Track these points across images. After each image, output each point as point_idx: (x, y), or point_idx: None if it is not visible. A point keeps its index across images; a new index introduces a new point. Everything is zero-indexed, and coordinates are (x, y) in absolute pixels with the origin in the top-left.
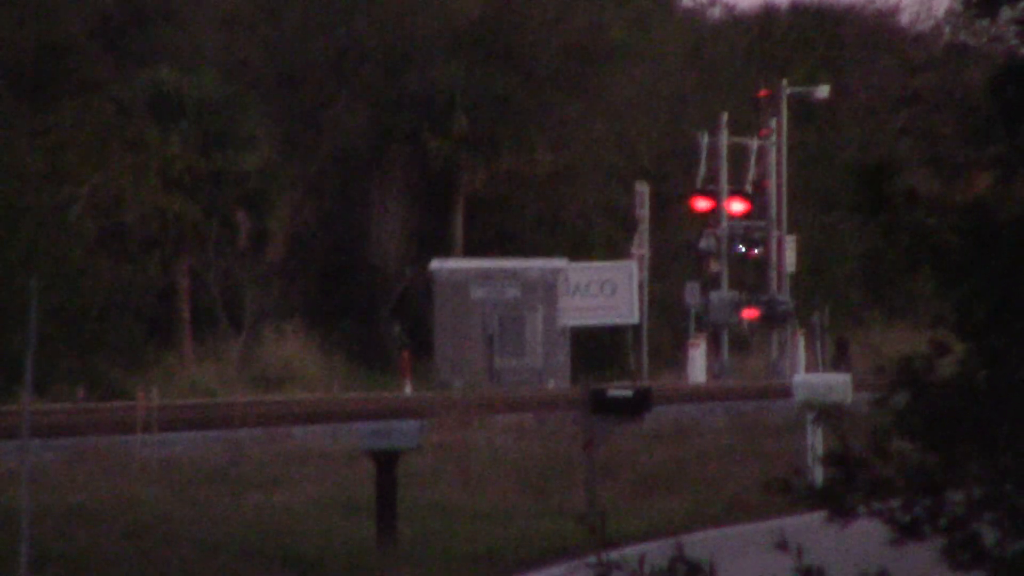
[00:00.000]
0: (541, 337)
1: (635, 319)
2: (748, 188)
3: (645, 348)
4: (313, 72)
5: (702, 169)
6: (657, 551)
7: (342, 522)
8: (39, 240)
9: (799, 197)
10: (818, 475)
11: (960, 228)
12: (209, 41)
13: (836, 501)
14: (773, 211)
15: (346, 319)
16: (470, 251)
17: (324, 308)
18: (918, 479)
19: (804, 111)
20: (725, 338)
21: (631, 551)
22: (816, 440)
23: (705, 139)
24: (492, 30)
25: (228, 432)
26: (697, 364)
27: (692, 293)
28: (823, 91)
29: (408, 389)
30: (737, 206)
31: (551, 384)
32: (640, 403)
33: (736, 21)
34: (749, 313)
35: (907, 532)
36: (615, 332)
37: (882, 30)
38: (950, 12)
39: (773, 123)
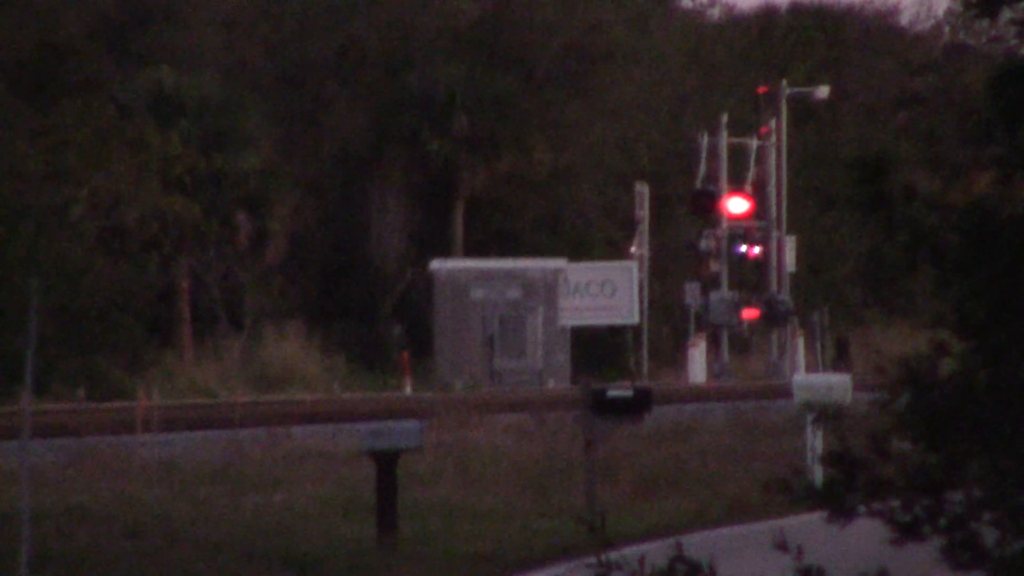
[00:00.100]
0: (541, 337)
1: (635, 319)
2: (748, 188)
3: (645, 348)
4: (313, 72)
5: (702, 169)
6: (657, 551)
7: (342, 522)
8: (39, 240)
9: (799, 197)
10: (818, 475)
11: (960, 228)
12: (209, 41)
13: (836, 501)
14: (773, 211)
15: (346, 319)
16: (470, 251)
17: (324, 308)
18: (918, 479)
19: (804, 111)
20: (725, 338)
21: (631, 551)
22: (816, 440)
23: (705, 140)
24: (492, 30)
25: (228, 432)
26: (697, 364)
27: (692, 293)
28: (823, 91)
29: (408, 389)
30: (738, 206)
31: (551, 384)
32: (640, 403)
33: (736, 21)
34: (749, 313)
35: (907, 532)
36: (615, 332)
37: (882, 30)
38: (950, 13)
39: (772, 124)
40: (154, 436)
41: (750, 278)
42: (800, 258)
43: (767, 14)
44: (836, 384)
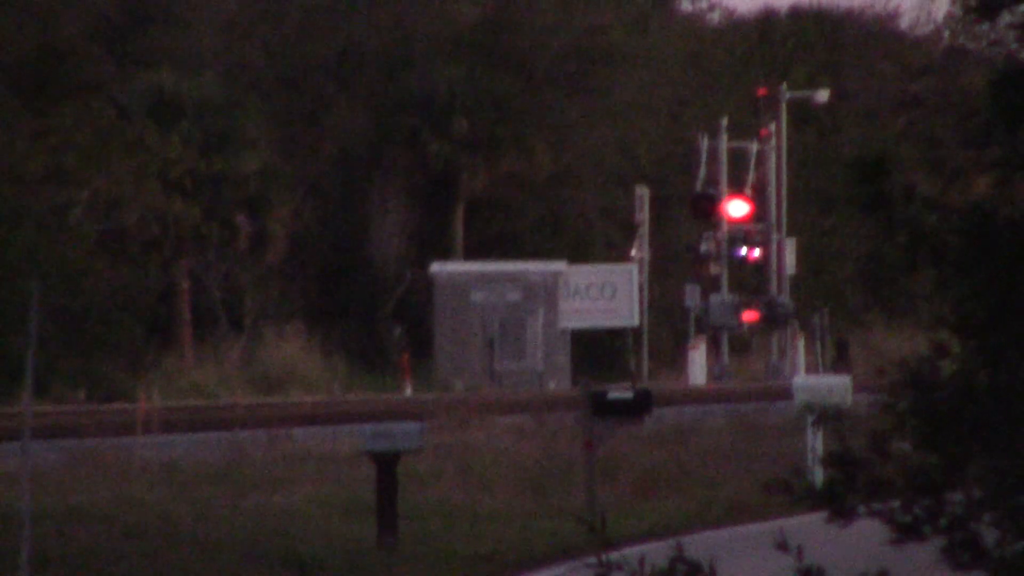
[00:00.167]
0: (541, 339)
1: (635, 322)
2: (748, 191)
3: (645, 350)
4: (313, 74)
5: (702, 172)
6: (657, 552)
7: (343, 523)
8: (39, 242)
9: (799, 200)
10: (818, 476)
11: (959, 229)
12: (209, 43)
13: (836, 502)
14: (773, 214)
15: (346, 320)
16: (470, 253)
17: (324, 310)
18: (918, 479)
19: (804, 114)
20: (725, 340)
21: (631, 552)
22: (816, 441)
23: (705, 142)
24: (492, 32)
25: (229, 433)
26: (697, 366)
27: (692, 295)
28: (823, 95)
29: (409, 391)
30: (738, 209)
31: (551, 386)
32: (640, 405)
33: (736, 25)
34: (750, 315)
35: (907, 532)
36: (615, 334)
37: (882, 34)
38: (949, 16)
39: (772, 127)
40: (154, 437)
41: (750, 280)
42: (800, 260)
43: (767, 17)
44: (836, 385)
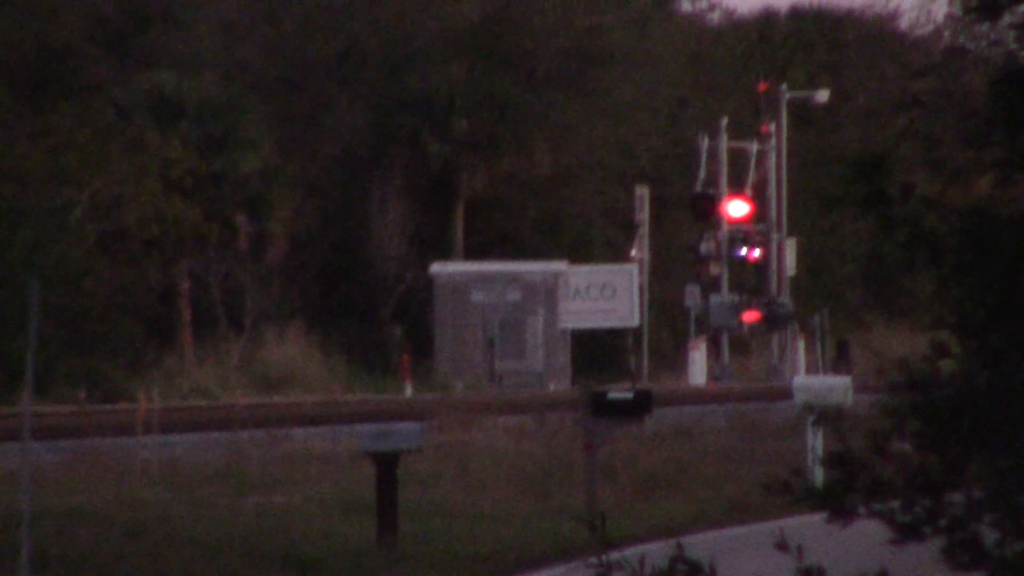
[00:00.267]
0: (541, 340)
1: (635, 322)
2: (748, 192)
3: (645, 350)
4: (313, 74)
5: (702, 173)
6: (658, 552)
7: (343, 523)
8: (40, 242)
9: (799, 200)
10: (818, 476)
11: (959, 229)
12: (209, 43)
13: (836, 502)
14: (773, 214)
15: (346, 321)
16: (470, 253)
17: (325, 310)
18: (918, 480)
19: (804, 114)
20: (725, 341)
21: (631, 552)
22: (816, 441)
23: (705, 143)
24: (492, 32)
25: (229, 434)
26: (697, 366)
27: (692, 296)
28: (823, 95)
29: (409, 391)
30: (738, 209)
31: (552, 386)
32: (640, 405)
33: (736, 25)
34: (750, 316)
35: (907, 533)
36: (615, 335)
37: (882, 34)
38: (949, 16)
39: (773, 127)
40: (154, 438)
41: (750, 281)
42: (800, 260)
43: (766, 18)
44: (836, 386)
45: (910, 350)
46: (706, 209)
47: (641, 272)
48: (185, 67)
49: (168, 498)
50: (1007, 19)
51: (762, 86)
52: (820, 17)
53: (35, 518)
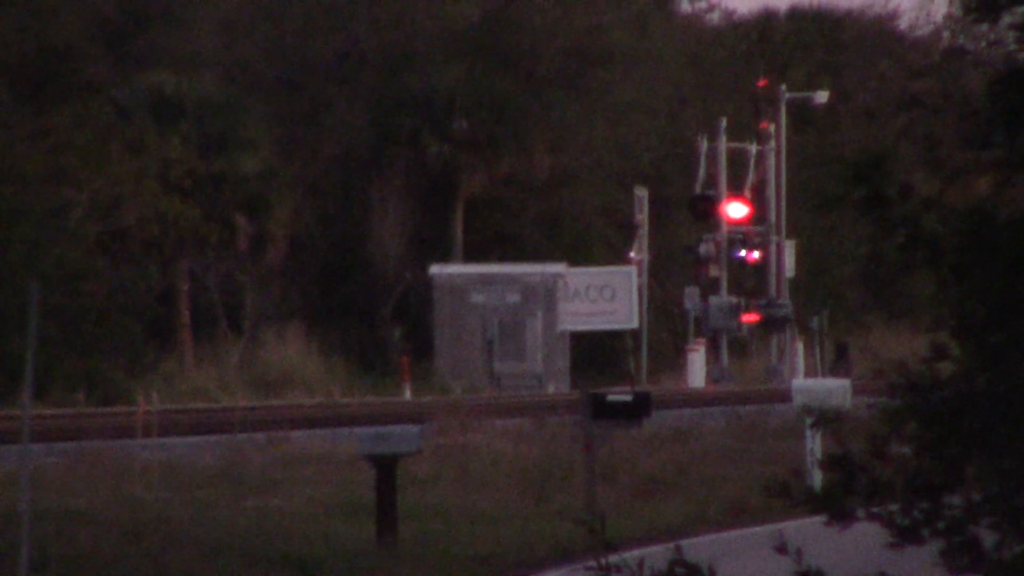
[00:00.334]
0: (541, 341)
1: (634, 324)
2: (747, 193)
3: (645, 352)
4: (313, 74)
5: (701, 174)
6: (657, 554)
7: (342, 525)
8: (39, 242)
9: (798, 201)
10: (817, 478)
11: (959, 230)
12: (209, 43)
13: (835, 504)
14: (772, 215)
15: (346, 322)
16: (470, 253)
17: (324, 311)
18: (917, 482)
19: (803, 114)
20: (724, 343)
21: (631, 554)
22: (815, 444)
23: (704, 144)
24: (492, 32)
25: (228, 436)
26: (696, 368)
27: (691, 298)
28: (822, 96)
29: (408, 393)
30: (737, 211)
31: (551, 388)
32: (639, 407)
33: (735, 25)
34: (750, 317)
35: (906, 535)
36: (614, 336)
37: (881, 34)
38: (949, 17)
39: (772, 128)
40: (154, 440)
41: (750, 282)
42: (800, 262)
43: (766, 18)
44: (835, 388)
45: (909, 352)
46: (705, 210)
47: (640, 274)
48: (185, 67)
49: (167, 499)
50: (1007, 19)
51: (762, 81)
52: (819, 17)
53: (35, 519)
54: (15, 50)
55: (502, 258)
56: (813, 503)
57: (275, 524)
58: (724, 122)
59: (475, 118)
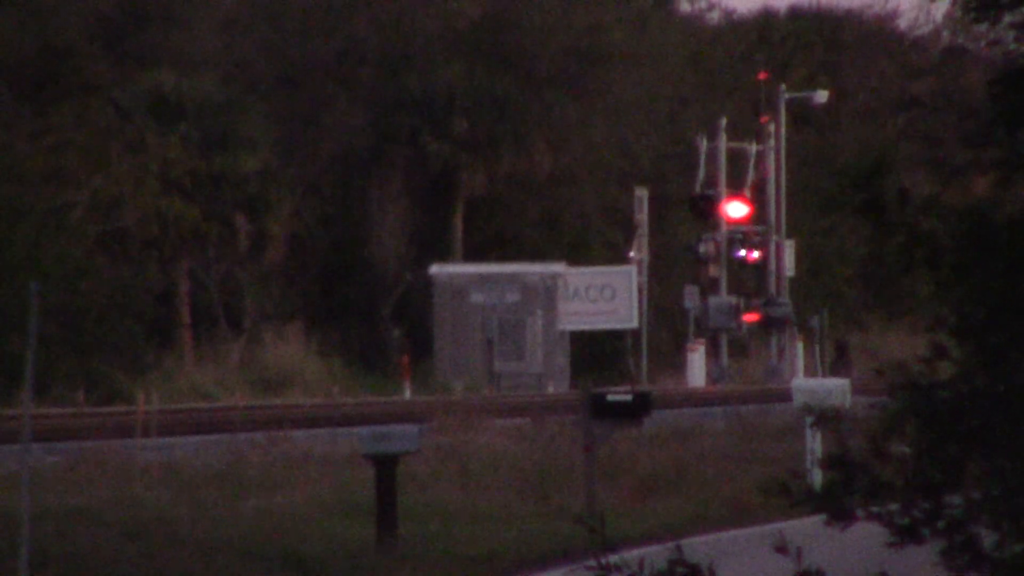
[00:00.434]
0: (540, 341)
1: (634, 323)
2: (747, 192)
3: (644, 352)
4: (313, 74)
5: (701, 174)
6: (657, 554)
7: (342, 524)
8: (39, 242)
9: (798, 200)
10: (817, 478)
11: (958, 230)
12: (209, 43)
13: (835, 504)
14: (772, 215)
15: (346, 321)
16: (469, 253)
17: (324, 310)
18: (917, 482)
19: (803, 114)
20: (724, 342)
21: (631, 554)
22: (815, 443)
23: (704, 143)
24: (492, 32)
25: (228, 435)
26: (696, 368)
27: (691, 297)
28: (822, 96)
29: (408, 392)
30: (737, 210)
31: (551, 388)
32: (639, 407)
33: (735, 25)
34: (751, 317)
35: (906, 535)
36: (614, 336)
37: (881, 34)
38: (949, 16)
39: (772, 126)
40: (154, 440)
41: (749, 282)
42: (799, 262)
43: (766, 18)
44: (835, 387)
45: (909, 351)
46: (705, 210)
47: (640, 273)
48: (185, 67)
49: (167, 499)
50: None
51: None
52: (819, 17)
53: (35, 519)
54: (15, 50)
55: (502, 258)
56: (813, 502)
57: (275, 524)
58: (724, 121)
59: (475, 118)
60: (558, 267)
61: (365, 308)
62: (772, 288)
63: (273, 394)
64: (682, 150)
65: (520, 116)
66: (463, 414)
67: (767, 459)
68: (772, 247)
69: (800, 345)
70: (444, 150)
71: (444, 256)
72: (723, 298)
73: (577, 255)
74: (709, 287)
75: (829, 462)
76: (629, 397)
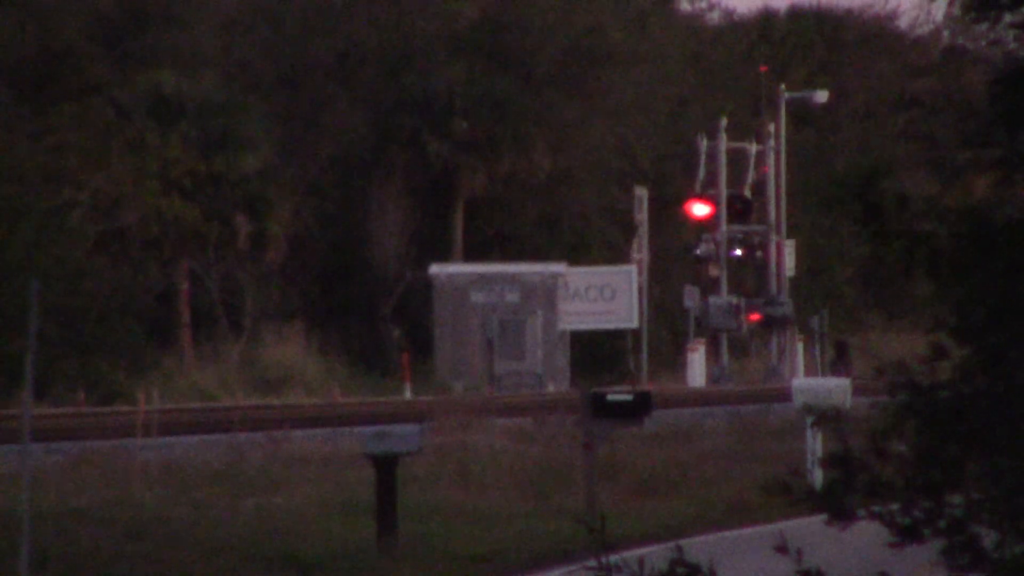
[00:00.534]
0: (541, 341)
1: (634, 323)
2: (747, 192)
3: (645, 352)
4: (313, 74)
5: (701, 173)
6: (657, 554)
7: (342, 524)
8: (39, 242)
9: (798, 200)
10: (818, 477)
11: (958, 232)
12: (209, 43)
13: (836, 503)
14: (772, 215)
15: (346, 321)
16: (469, 253)
17: (324, 310)
18: (917, 481)
19: (803, 114)
20: (724, 342)
21: (631, 554)
22: (816, 443)
23: (704, 143)
24: (492, 32)
25: (228, 435)
26: (696, 368)
27: (691, 297)
28: (822, 96)
29: (408, 392)
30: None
31: (551, 387)
32: (640, 407)
33: (735, 25)
34: (754, 317)
35: (907, 534)
36: (614, 336)
37: (881, 34)
38: (949, 16)
39: (772, 127)
40: (154, 439)
41: (750, 282)
42: (799, 262)
43: (766, 18)
44: (835, 387)
45: (909, 351)
46: (705, 211)
47: (640, 273)
48: (185, 67)
49: (168, 499)
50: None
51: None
52: (819, 17)
53: (35, 519)
54: (15, 50)
55: (502, 258)
56: (814, 502)
57: (275, 523)
58: (724, 122)
59: (475, 118)
60: (558, 267)
61: (365, 308)
62: (772, 288)
63: (273, 394)
64: (682, 150)
65: (520, 116)
66: (463, 414)
67: (767, 459)
68: (772, 247)
69: (800, 345)
70: (444, 150)
71: (444, 256)
72: (723, 298)
73: (577, 255)
74: (709, 287)
75: (829, 462)
76: (629, 397)
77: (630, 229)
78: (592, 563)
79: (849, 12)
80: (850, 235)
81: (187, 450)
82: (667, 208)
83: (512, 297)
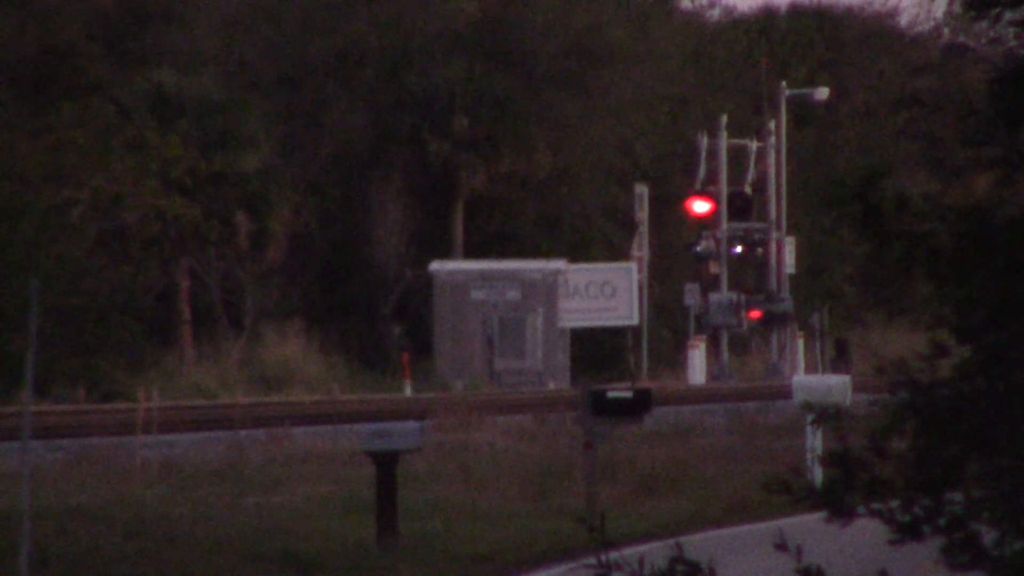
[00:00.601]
0: (541, 338)
1: (635, 321)
2: (748, 189)
3: (645, 349)
4: (313, 73)
5: (701, 171)
6: (657, 552)
7: (343, 522)
8: (39, 241)
9: (798, 198)
10: (818, 475)
11: (958, 231)
12: (209, 42)
13: (836, 501)
14: (773, 212)
15: (346, 320)
16: (470, 252)
17: (324, 309)
18: (917, 479)
19: (803, 112)
20: (725, 339)
21: (631, 552)
22: (816, 441)
23: (704, 141)
24: (492, 30)
25: (228, 433)
26: (697, 365)
27: (692, 294)
28: (822, 93)
29: (408, 390)
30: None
31: (551, 385)
32: (640, 404)
33: (735, 23)
34: (755, 314)
35: (906, 532)
36: (615, 333)
37: (881, 32)
38: (949, 14)
39: (772, 124)
40: (154, 437)
41: (750, 280)
42: (799, 259)
43: (766, 16)
44: (836, 385)
45: (909, 349)
46: (705, 208)
47: (640, 271)
48: (185, 66)
49: (168, 497)
50: (1007, 17)
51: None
52: (820, 15)
53: (35, 518)
54: (16, 49)
55: (502, 256)
56: (813, 500)
57: (275, 521)
58: (724, 120)
59: (475, 116)
60: (558, 264)
61: (365, 306)
62: (773, 285)
63: (273, 392)
64: (683, 148)
65: (520, 115)
66: (463, 412)
67: (767, 456)
68: (772, 244)
69: (800, 343)
70: (444, 149)
71: (444, 255)
72: (724, 295)
73: (577, 253)
74: (710, 284)
75: (830, 459)
76: (630, 394)
77: (630, 227)
78: (592, 561)
79: (849, 10)
80: (850, 233)
81: (187, 448)
82: (667, 206)
83: (512, 294)
